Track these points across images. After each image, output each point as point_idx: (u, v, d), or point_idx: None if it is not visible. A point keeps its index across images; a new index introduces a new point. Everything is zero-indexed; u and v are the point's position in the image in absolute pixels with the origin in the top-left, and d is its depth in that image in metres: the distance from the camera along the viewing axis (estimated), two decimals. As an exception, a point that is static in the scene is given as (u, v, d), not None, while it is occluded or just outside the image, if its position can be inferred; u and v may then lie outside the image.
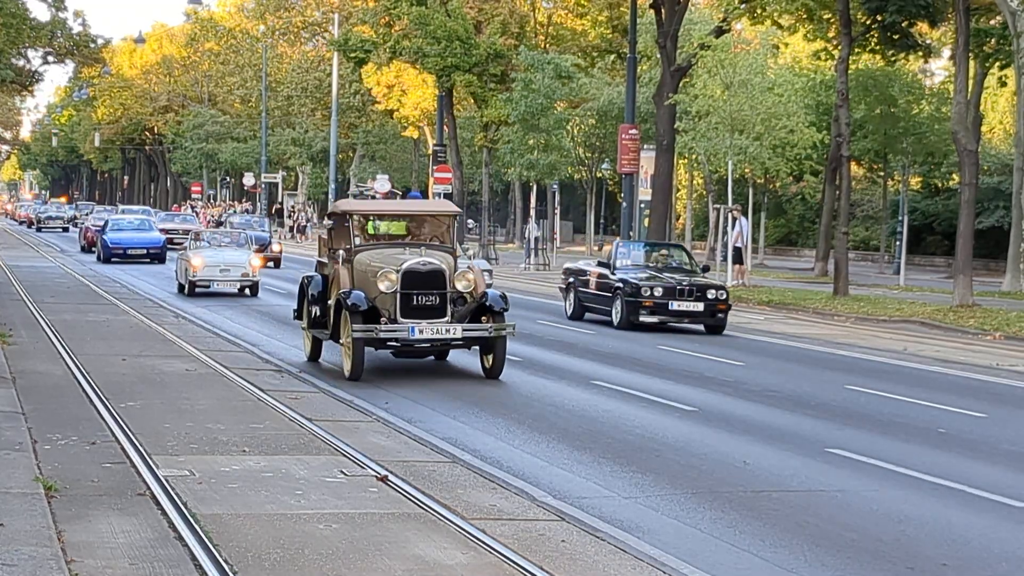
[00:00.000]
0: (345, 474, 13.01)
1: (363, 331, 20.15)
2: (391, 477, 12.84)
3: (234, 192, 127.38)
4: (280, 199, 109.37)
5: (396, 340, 20.57)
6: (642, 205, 56.56)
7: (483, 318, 20.99)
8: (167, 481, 12.30)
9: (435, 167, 69.75)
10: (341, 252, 21.74)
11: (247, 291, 37.73)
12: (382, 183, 78.69)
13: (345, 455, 13.99)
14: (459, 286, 21.03)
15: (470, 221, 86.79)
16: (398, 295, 20.50)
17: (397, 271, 20.55)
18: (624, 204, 52.71)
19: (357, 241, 21.84)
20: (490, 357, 21.09)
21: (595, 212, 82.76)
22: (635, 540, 11.02)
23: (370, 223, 23.36)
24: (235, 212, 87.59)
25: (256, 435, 14.98)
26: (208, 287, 37.35)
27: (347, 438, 14.93)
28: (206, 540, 10.23)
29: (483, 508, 11.91)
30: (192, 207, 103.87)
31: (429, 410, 17.94)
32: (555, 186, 66.70)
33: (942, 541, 11.54)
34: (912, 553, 11.04)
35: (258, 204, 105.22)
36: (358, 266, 21.36)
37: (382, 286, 20.46)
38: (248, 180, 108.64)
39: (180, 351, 23.17)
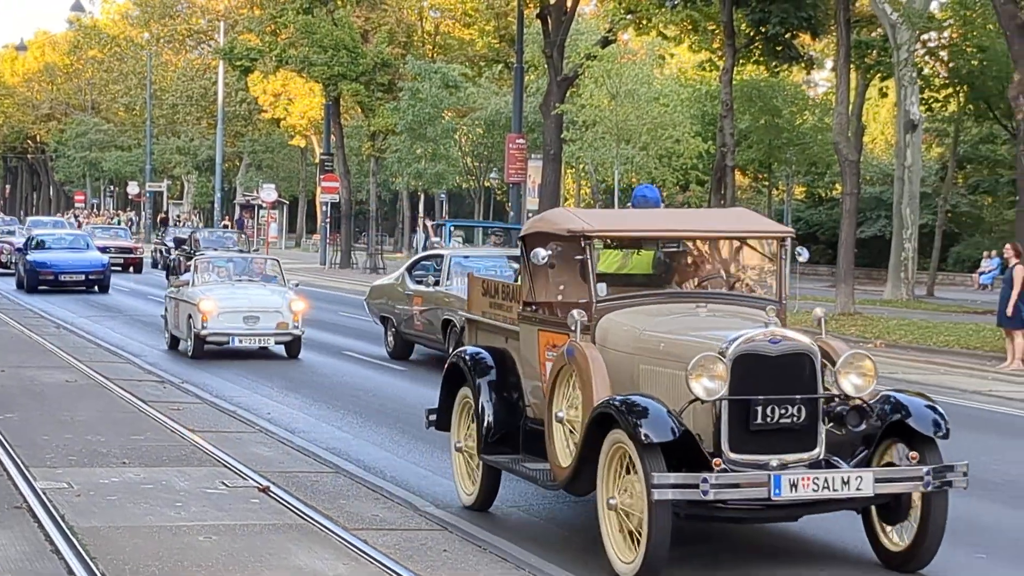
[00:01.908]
0: (226, 485, 12.92)
1: (679, 486, 10.00)
2: (273, 488, 12.77)
3: (118, 201, 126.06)
4: (165, 208, 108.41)
5: (745, 504, 10.39)
6: (529, 214, 56.66)
7: (888, 447, 10.92)
8: (44, 494, 12.15)
9: (322, 176, 69.49)
10: (575, 314, 11.02)
11: (284, 350, 25.50)
12: (268, 192, 78.28)
13: (227, 466, 13.89)
14: (846, 384, 10.72)
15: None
16: (725, 407, 10.27)
17: (721, 356, 10.26)
18: (512, 213, 52.80)
19: (601, 290, 11.43)
20: (907, 529, 10.87)
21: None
22: (518, 549, 11.03)
23: (633, 257, 12.81)
24: (119, 221, 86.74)
25: (137, 447, 14.83)
26: (226, 343, 24.96)
27: (229, 449, 14.82)
28: (84, 554, 10.11)
29: (365, 518, 11.86)
30: (75, 215, 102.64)
31: (313, 420, 17.88)
32: (443, 195, 66.71)
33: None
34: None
35: (142, 213, 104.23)
36: (617, 342, 11.20)
37: (696, 387, 10.19)
38: (132, 189, 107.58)
39: (60, 362, 22.90)
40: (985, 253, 57.77)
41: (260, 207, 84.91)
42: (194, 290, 25.37)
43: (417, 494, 13.12)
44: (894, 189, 47.04)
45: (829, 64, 59.90)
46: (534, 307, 12.22)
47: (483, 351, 12.79)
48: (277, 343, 25.28)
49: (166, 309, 27.05)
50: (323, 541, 10.94)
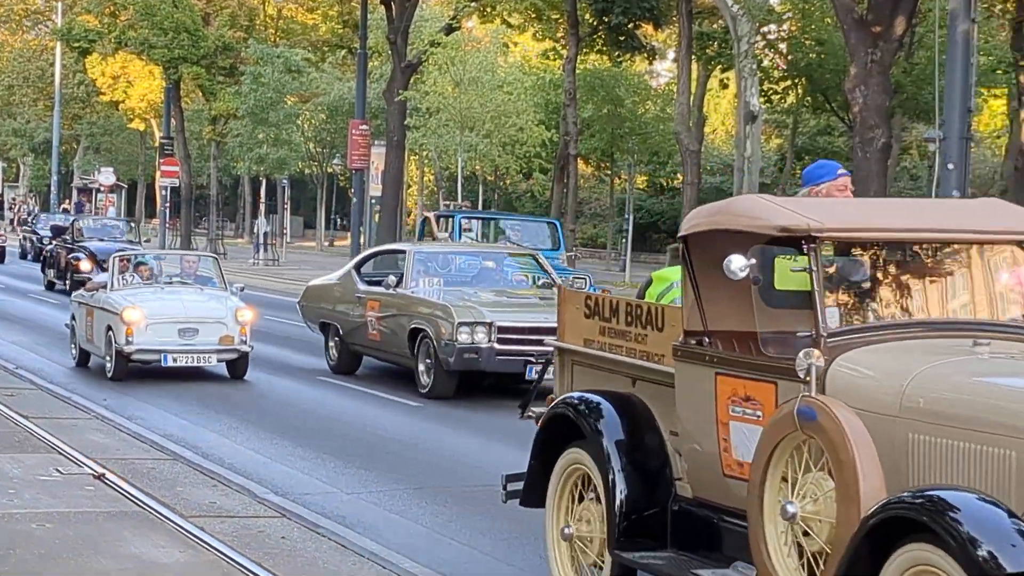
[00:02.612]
0: (61, 472, 12.73)
1: None
2: (108, 475, 12.60)
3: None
4: (0, 190, 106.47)
5: None
6: (373, 201, 56.52)
7: None
8: None
9: (162, 160, 68.62)
10: (806, 356, 7.27)
11: (226, 369, 20.85)
12: (106, 176, 77.23)
13: (61, 453, 13.68)
14: None
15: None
16: None
17: None
18: (355, 200, 52.60)
19: (832, 318, 7.69)
20: None
21: (326, 208, 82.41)
22: (356, 536, 11.00)
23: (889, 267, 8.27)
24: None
25: (-32, 433, 14.55)
26: (157, 362, 20.21)
27: (64, 436, 14.60)
28: (-88, 542, 9.90)
29: (203, 506, 11.76)
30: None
31: (151, 407, 17.69)
32: (285, 180, 66.26)
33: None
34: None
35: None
36: (866, 398, 7.41)
37: None
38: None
39: None
40: (821, 243, 58.66)
41: (98, 191, 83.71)
42: (114, 296, 20.73)
43: (256, 481, 13.03)
44: (734, 179, 47.57)
45: (671, 55, 60.48)
46: (706, 339, 8.39)
47: (601, 399, 9.11)
48: (219, 361, 20.54)
49: (73, 318, 22.20)
50: (159, 528, 10.82)
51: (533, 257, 22.14)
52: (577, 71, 44.39)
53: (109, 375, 20.05)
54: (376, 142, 55.18)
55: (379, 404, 18.49)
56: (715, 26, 48.00)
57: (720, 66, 49.30)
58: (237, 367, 20.58)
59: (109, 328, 20.12)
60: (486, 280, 20.83)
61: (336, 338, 21.74)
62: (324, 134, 74.86)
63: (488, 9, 48.06)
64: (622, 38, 43.97)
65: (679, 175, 58.77)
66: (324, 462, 14.22)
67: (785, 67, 47.13)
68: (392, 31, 49.89)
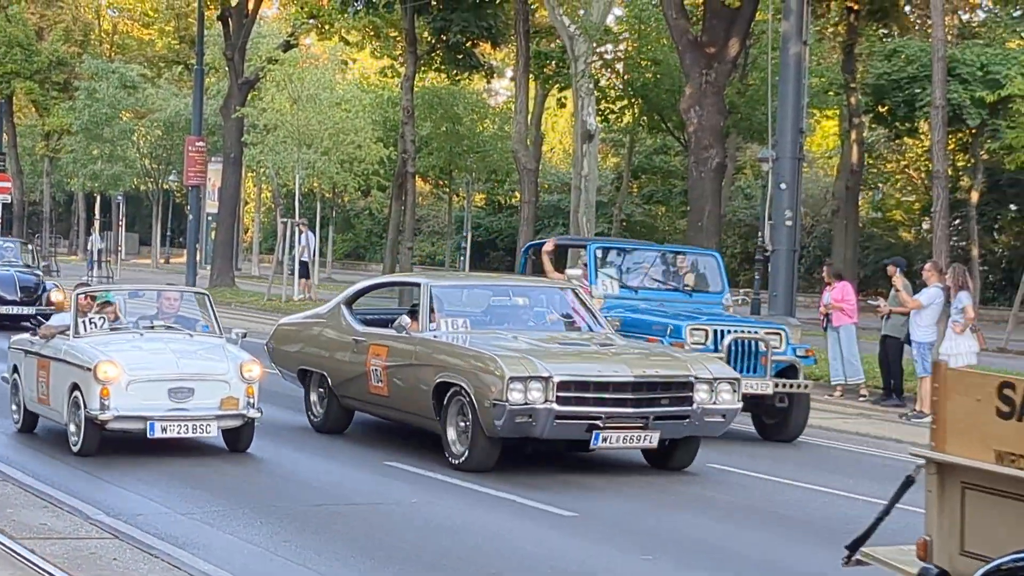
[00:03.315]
0: None
1: None
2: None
3: None
4: None
5: None
6: (209, 218, 56.10)
7: None
8: None
9: (-6, 176, 67.55)
10: None
11: (228, 441, 16.18)
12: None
13: None
14: None
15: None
16: None
17: None
18: (191, 217, 52.18)
19: None
20: None
21: (162, 224, 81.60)
22: (189, 556, 10.91)
23: None
24: None
25: None
26: (141, 431, 15.33)
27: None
28: None
29: (33, 527, 11.60)
30: None
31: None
32: (120, 197, 65.52)
33: (495, 551, 11.83)
34: (467, 562, 11.27)
35: None
36: None
37: None
38: None
39: None
40: (658, 261, 59.26)
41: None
42: (82, 345, 15.95)
43: (88, 502, 12.88)
44: (571, 197, 47.91)
45: (509, 73, 60.78)
46: None
47: None
48: (220, 429, 15.84)
49: (16, 370, 17.48)
50: (-12, 551, 10.65)
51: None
52: (415, 89, 44.47)
53: (76, 449, 15.47)
54: (213, 159, 54.85)
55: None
56: (552, 45, 48.32)
57: (558, 85, 49.60)
58: (240, 438, 16.04)
59: (75, 388, 15.50)
60: (517, 320, 16.89)
61: (321, 389, 17.96)
62: (160, 150, 74.15)
63: (326, 26, 47.93)
64: (460, 56, 44.12)
65: (517, 193, 59.12)
66: (157, 482, 14.10)
67: (622, 87, 47.64)
68: (229, 47, 49.63)
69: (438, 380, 15.18)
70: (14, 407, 17.59)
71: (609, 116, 48.80)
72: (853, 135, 45.57)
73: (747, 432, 18.98)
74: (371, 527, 12.37)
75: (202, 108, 51.01)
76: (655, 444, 14.85)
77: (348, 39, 49.99)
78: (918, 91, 41.06)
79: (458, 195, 63.79)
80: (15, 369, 17.47)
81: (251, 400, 15.56)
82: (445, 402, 15.12)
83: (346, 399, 17.45)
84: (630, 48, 47.12)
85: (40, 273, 32.00)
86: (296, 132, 43.46)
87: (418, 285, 16.95)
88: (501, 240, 67.64)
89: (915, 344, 22.06)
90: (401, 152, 44.19)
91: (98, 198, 67.47)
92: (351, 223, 77.70)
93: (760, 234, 35.68)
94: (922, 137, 49.45)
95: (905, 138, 50.42)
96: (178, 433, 15.38)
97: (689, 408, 14.74)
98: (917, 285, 23.13)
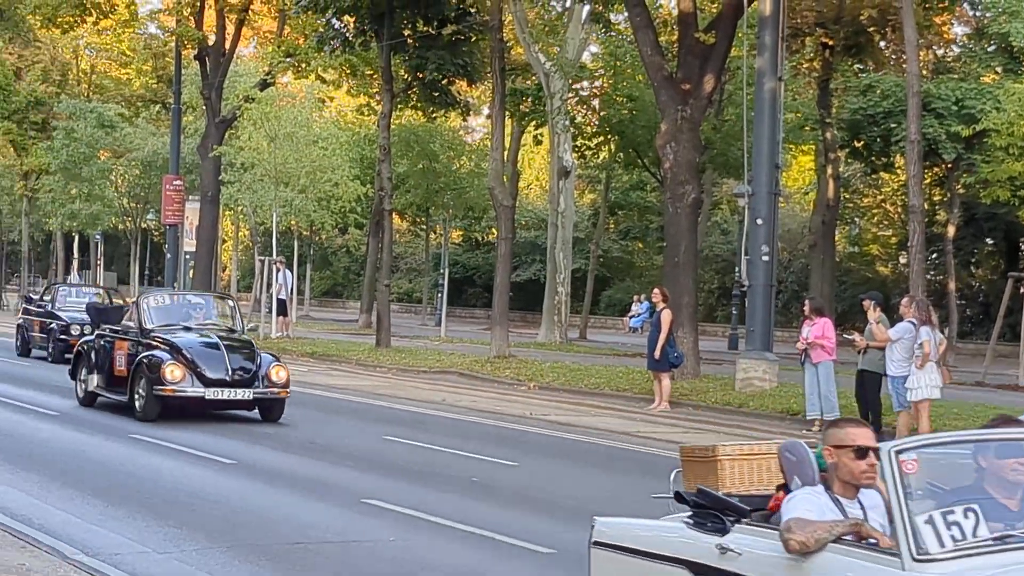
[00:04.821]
0: None
1: None
2: (-87, 538, 12.37)
3: None
4: None
5: None
6: (187, 256, 56.08)
7: None
8: None
9: (-29, 216, 67.48)
10: None
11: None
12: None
13: None
14: None
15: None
16: None
17: None
18: (169, 255, 52.17)
19: None
20: None
21: (140, 263, 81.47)
22: (168, 595, 10.94)
23: None
24: None
25: None
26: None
27: None
28: None
29: (11, 567, 11.57)
30: None
31: (-42, 468, 17.35)
32: (98, 236, 65.51)
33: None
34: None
35: None
36: None
37: None
38: None
39: None
40: (635, 297, 59.53)
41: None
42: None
43: (67, 542, 12.86)
44: (548, 234, 48.09)
45: (485, 110, 60.98)
46: None
47: None
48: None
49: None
50: (-34, 592, 10.64)
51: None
52: (392, 126, 44.57)
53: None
54: (190, 197, 54.84)
55: (191, 461, 18.36)
56: (528, 83, 48.54)
57: (534, 122, 49.82)
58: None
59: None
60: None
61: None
62: (138, 189, 74.04)
63: (303, 65, 48.05)
64: (436, 94, 44.27)
65: (494, 230, 59.28)
66: (135, 521, 14.08)
67: (598, 123, 47.81)
68: (206, 87, 49.72)
69: None
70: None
71: (585, 152, 48.97)
72: (829, 170, 45.78)
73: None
74: (347, 565, 12.39)
75: (179, 147, 51.08)
76: None
77: (325, 77, 50.10)
78: (893, 126, 41.30)
79: (435, 232, 63.90)
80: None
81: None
82: None
83: None
84: (606, 85, 47.29)
85: (252, 341, 24.55)
86: (273, 170, 43.54)
87: None
88: (478, 277, 67.72)
89: (890, 379, 22.17)
90: (378, 189, 44.28)
91: (76, 237, 67.44)
92: (329, 261, 77.74)
93: (737, 269, 35.84)
94: (898, 172, 49.72)
95: (881, 173, 50.69)
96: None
97: None
98: (895, 320, 23.23)
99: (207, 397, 22.31)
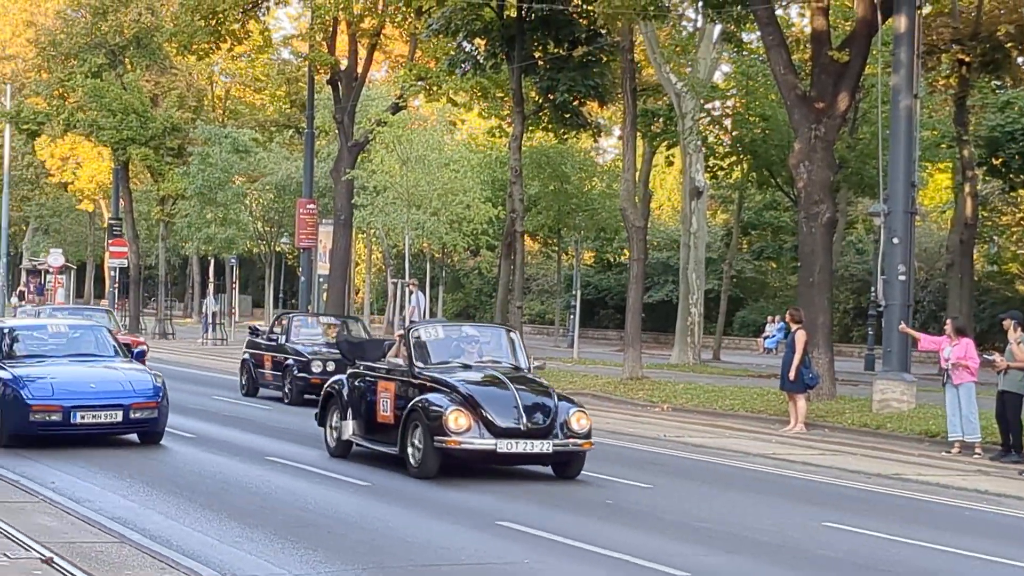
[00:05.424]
0: (8, 557, 12.62)
1: None
2: (56, 559, 12.50)
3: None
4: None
5: None
6: (321, 279, 56.53)
7: None
8: None
9: (111, 241, 68.53)
10: None
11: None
12: (55, 257, 77.00)
13: (9, 537, 13.56)
14: None
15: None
16: None
17: None
18: (303, 278, 52.62)
19: None
20: None
21: (274, 286, 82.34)
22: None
23: None
24: None
25: (-86, 518, 14.37)
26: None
27: (11, 519, 14.48)
28: None
29: (152, 590, 11.69)
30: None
31: (99, 489, 17.56)
32: (233, 260, 66.25)
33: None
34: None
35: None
36: None
37: None
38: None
39: None
40: (769, 318, 59.05)
41: (47, 272, 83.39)
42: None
43: (204, 563, 12.95)
44: (680, 254, 47.85)
45: (616, 131, 60.88)
46: None
47: None
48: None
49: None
50: (107, 612, 10.73)
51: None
52: (523, 148, 44.62)
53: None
54: (324, 221, 55.30)
55: (327, 483, 18.43)
56: (660, 103, 48.36)
57: (665, 142, 49.63)
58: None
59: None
60: None
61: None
62: (272, 213, 74.99)
63: (434, 88, 48.32)
64: (567, 115, 44.21)
65: (625, 251, 59.09)
66: (271, 543, 14.15)
67: (730, 143, 47.49)
68: (339, 111, 50.13)
69: None
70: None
71: (717, 172, 48.65)
72: (966, 188, 45.08)
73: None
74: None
75: (312, 171, 51.52)
76: None
77: (456, 100, 50.35)
78: (1032, 143, 40.59)
79: (567, 253, 63.87)
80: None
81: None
82: None
83: None
84: (738, 104, 46.98)
85: (546, 382, 20.56)
86: (405, 193, 43.80)
87: None
88: (610, 298, 67.56)
89: (1033, 399, 21.78)
90: (510, 211, 44.34)
91: (212, 261, 68.24)
92: (460, 283, 78.00)
93: (873, 289, 35.42)
94: (1037, 189, 48.87)
95: (1020, 191, 49.83)
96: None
97: None
98: (1034, 339, 22.80)
99: (498, 450, 18.57)
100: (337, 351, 26.04)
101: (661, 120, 47.38)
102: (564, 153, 56.56)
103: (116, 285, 70.05)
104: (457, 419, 18.40)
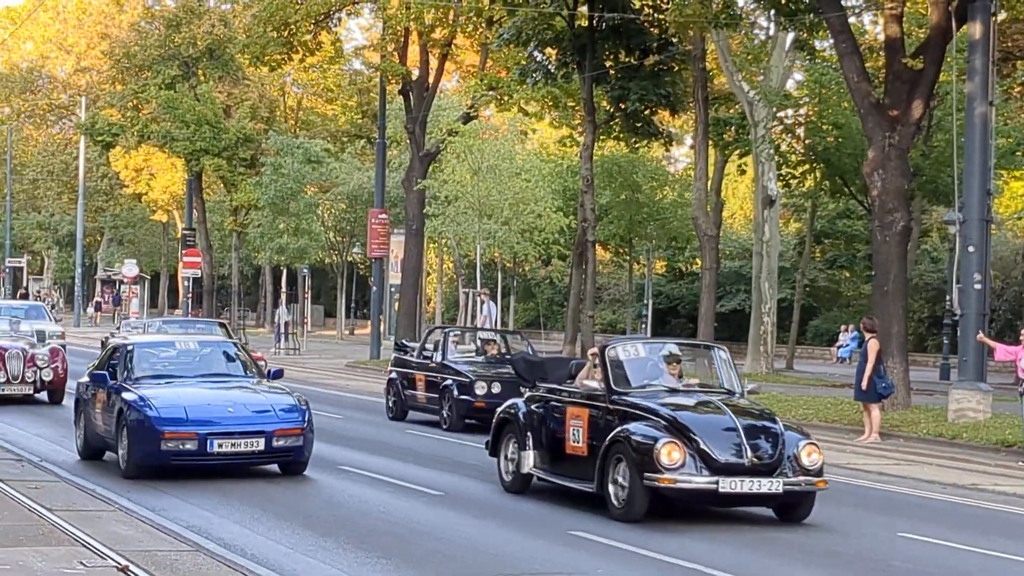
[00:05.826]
0: (85, 565, 12.70)
1: None
2: (132, 567, 12.57)
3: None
4: (25, 284, 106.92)
5: None
6: (392, 289, 56.70)
7: None
8: None
9: (184, 251, 69.05)
10: None
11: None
12: (130, 267, 77.66)
13: (86, 545, 13.66)
14: None
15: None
16: None
17: None
18: (375, 288, 52.78)
19: None
20: None
21: (346, 296, 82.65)
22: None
23: None
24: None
25: (-8, 527, 14.48)
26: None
27: (88, 528, 14.59)
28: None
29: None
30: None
31: (174, 499, 17.65)
32: (305, 270, 66.54)
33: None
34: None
35: (2, 289, 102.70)
36: None
37: None
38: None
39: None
40: (842, 327, 58.67)
41: (122, 282, 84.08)
42: None
43: (278, 572, 13.00)
44: (753, 263, 47.63)
45: (688, 140, 60.73)
46: None
47: None
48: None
49: None
50: (182, 621, 10.77)
51: None
52: (594, 157, 44.59)
53: None
54: (395, 231, 55.48)
55: (401, 493, 18.45)
56: (732, 112, 48.21)
57: (737, 151, 49.45)
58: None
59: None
60: None
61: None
62: (344, 223, 75.32)
63: (505, 98, 48.40)
64: (639, 124, 44.16)
65: (697, 260, 58.90)
66: (344, 552, 14.18)
67: (803, 151, 47.28)
68: (410, 121, 50.27)
69: None
70: None
71: (790, 181, 48.44)
72: (1042, 196, 44.72)
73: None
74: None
75: (384, 181, 51.67)
76: None
77: (527, 110, 50.39)
78: (1109, 150, 40.24)
79: (638, 262, 63.73)
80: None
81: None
82: None
83: None
84: (811, 112, 46.76)
85: (769, 409, 17.84)
86: (476, 203, 43.87)
87: None
88: (682, 307, 67.31)
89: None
90: (581, 221, 44.32)
91: (284, 271, 68.61)
92: (532, 292, 77.94)
93: (948, 298, 35.15)
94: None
95: (1096, 197, 49.37)
96: None
97: None
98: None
99: (720, 490, 15.76)
100: (503, 370, 24.64)
101: (733, 129, 47.22)
102: (635, 162, 56.44)
103: (190, 295, 70.53)
104: (671, 452, 15.72)
